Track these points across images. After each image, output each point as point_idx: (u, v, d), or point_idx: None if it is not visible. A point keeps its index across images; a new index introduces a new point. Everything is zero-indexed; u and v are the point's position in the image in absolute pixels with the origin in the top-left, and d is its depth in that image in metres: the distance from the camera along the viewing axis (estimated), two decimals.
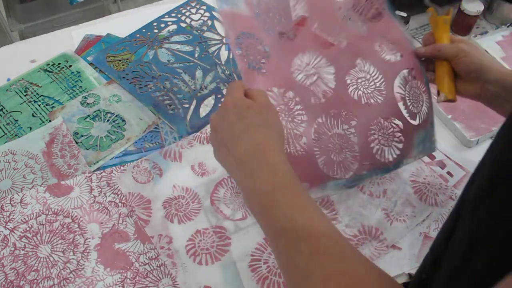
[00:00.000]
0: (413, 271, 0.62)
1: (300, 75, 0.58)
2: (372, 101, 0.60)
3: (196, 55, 0.90)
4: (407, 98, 0.62)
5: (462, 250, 0.35)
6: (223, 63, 0.89)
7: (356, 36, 0.62)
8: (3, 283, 0.59)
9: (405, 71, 0.62)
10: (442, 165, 0.74)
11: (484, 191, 0.33)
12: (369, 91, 0.60)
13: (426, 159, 0.74)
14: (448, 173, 0.73)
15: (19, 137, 0.75)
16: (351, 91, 0.60)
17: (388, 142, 0.60)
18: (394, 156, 0.61)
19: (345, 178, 0.57)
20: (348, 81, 0.60)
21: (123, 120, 0.78)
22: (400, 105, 0.62)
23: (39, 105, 0.81)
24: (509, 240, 0.28)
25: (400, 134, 0.61)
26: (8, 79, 0.85)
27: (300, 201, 0.43)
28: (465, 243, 0.34)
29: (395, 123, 0.61)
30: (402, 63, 0.62)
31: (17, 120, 0.78)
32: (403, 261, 0.62)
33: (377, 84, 0.61)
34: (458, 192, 0.70)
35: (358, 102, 0.60)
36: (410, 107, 0.62)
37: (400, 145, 0.61)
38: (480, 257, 0.32)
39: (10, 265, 0.61)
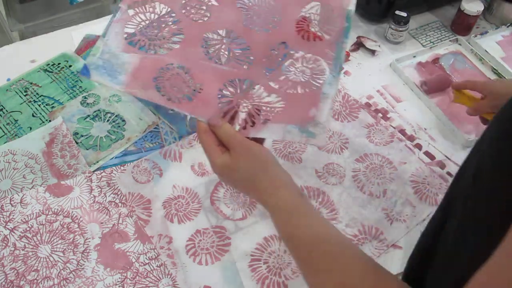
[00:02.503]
0: None
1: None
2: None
3: None
4: None
5: (456, 236, 0.37)
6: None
7: None
8: (3, 283, 0.59)
9: None
10: (442, 165, 0.74)
11: (472, 181, 0.36)
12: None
13: (426, 159, 0.74)
14: (448, 173, 0.73)
15: (19, 137, 0.75)
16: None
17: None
18: None
19: None
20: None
21: (123, 120, 0.78)
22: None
23: (39, 105, 0.81)
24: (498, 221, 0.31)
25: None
26: (8, 79, 0.85)
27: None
28: (459, 230, 0.36)
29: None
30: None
31: (17, 120, 0.78)
32: (403, 260, 0.63)
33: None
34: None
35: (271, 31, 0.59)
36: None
37: None
38: (473, 240, 0.34)
39: (10, 265, 0.61)
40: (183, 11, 0.59)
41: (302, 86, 0.54)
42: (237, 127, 0.51)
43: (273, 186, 0.47)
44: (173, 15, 0.58)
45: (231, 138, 0.49)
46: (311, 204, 0.51)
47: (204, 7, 0.59)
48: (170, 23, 0.57)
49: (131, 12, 0.57)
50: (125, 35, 0.55)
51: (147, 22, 0.57)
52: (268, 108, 0.52)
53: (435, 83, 0.84)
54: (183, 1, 0.59)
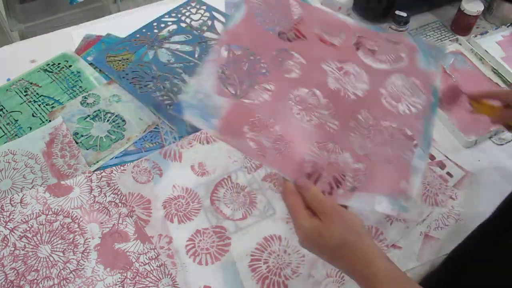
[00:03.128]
0: (413, 270, 0.62)
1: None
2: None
3: (196, 55, 0.90)
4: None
5: None
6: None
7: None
8: (3, 283, 0.59)
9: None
10: (442, 166, 0.74)
11: None
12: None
13: None
14: (448, 173, 0.73)
15: (19, 137, 0.75)
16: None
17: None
18: None
19: None
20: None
21: (123, 120, 0.78)
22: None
23: (39, 105, 0.81)
24: None
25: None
26: (8, 79, 0.85)
27: None
28: None
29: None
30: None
31: (17, 120, 0.78)
32: (403, 260, 0.63)
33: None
34: (458, 192, 0.70)
35: (358, 99, 0.58)
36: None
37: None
38: None
39: (10, 265, 0.61)
40: (274, 63, 0.59)
41: (390, 157, 0.53)
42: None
43: (370, 256, 0.45)
44: (264, 65, 0.59)
45: (321, 203, 0.47)
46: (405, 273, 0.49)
47: (292, 63, 0.60)
48: (262, 72, 0.58)
49: (224, 53, 0.58)
50: (218, 77, 0.55)
51: (240, 67, 0.58)
52: (355, 175, 0.51)
53: (448, 97, 0.81)
54: (274, 53, 0.59)
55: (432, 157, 0.75)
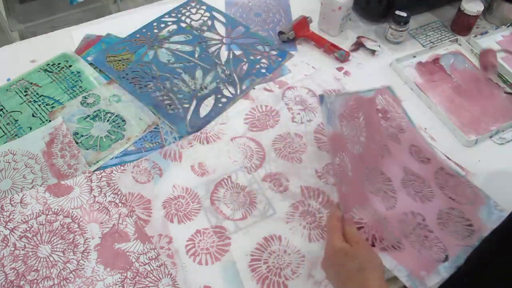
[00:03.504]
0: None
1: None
2: (424, 199, 0.66)
3: (196, 55, 0.90)
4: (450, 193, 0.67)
5: None
6: (223, 63, 0.89)
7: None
8: (3, 283, 0.59)
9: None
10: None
11: None
12: (420, 192, 0.66)
13: None
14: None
15: (19, 137, 0.75)
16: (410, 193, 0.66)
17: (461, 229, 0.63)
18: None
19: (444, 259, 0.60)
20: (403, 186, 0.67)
21: (123, 120, 0.78)
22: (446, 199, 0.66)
23: (39, 105, 0.81)
24: None
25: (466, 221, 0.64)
26: (8, 79, 0.85)
27: None
28: None
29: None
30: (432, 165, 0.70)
31: (17, 120, 0.78)
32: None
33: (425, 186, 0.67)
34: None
35: (418, 202, 0.65)
36: (454, 196, 0.66)
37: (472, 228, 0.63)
38: None
39: (10, 265, 0.61)
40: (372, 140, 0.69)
41: (421, 250, 0.60)
42: None
43: (384, 286, 0.51)
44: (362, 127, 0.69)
45: (357, 236, 0.55)
46: None
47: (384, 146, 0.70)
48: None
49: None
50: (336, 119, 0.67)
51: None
52: (390, 243, 0.59)
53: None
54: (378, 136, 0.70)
55: None
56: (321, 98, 0.65)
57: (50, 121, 0.78)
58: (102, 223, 0.65)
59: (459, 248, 0.60)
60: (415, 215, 0.63)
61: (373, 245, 0.58)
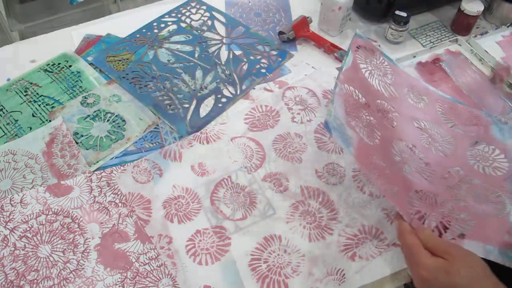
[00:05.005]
0: None
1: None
2: (447, 150, 0.64)
3: (196, 55, 0.90)
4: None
5: None
6: (223, 63, 0.89)
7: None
8: (3, 283, 0.59)
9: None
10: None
11: None
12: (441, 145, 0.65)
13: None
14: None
15: (19, 137, 0.75)
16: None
17: None
18: None
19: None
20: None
21: (123, 120, 0.78)
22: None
23: (39, 105, 0.81)
24: None
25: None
26: (8, 79, 0.85)
27: None
28: None
29: None
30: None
31: (17, 120, 0.78)
32: (404, 259, 0.62)
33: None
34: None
35: (444, 156, 0.64)
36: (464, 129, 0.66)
37: None
38: None
39: (10, 265, 0.61)
40: (377, 112, 0.64)
41: (488, 211, 0.57)
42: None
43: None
44: (367, 115, 0.64)
45: (439, 242, 0.49)
46: None
47: (390, 115, 0.65)
48: (367, 116, 0.64)
49: (344, 90, 0.64)
50: (344, 111, 0.62)
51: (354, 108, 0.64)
52: (460, 224, 0.55)
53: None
54: (378, 101, 0.65)
55: None
56: (326, 124, 0.62)
57: (50, 121, 0.78)
58: (102, 223, 0.65)
59: (508, 186, 0.58)
60: (453, 172, 0.60)
61: (440, 234, 0.53)
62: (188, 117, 0.79)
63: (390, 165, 0.60)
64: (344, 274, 0.60)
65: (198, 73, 0.86)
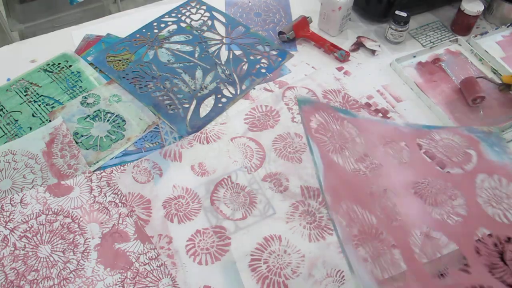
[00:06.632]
0: None
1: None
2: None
3: (196, 55, 0.90)
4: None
5: None
6: (223, 63, 0.89)
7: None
8: (3, 283, 0.59)
9: None
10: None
11: None
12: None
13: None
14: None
15: (19, 137, 0.75)
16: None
17: None
18: None
19: None
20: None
21: (123, 120, 0.78)
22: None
23: (39, 105, 0.81)
24: None
25: None
26: (8, 79, 0.85)
27: None
28: None
29: None
30: None
31: (17, 120, 0.78)
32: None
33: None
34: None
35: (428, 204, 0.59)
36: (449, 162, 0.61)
37: None
38: None
39: (10, 265, 0.61)
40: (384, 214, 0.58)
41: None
42: None
43: None
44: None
45: None
46: None
47: (390, 204, 0.59)
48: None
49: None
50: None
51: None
52: None
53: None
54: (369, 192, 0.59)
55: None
56: (307, 140, 0.55)
57: (50, 121, 0.78)
58: (102, 223, 0.65)
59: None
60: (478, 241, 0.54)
61: None
62: (188, 117, 0.79)
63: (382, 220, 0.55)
64: (343, 276, 0.60)
65: (198, 73, 0.86)
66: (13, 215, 0.65)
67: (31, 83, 0.84)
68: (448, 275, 0.54)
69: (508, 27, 0.97)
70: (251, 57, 0.90)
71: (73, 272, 0.61)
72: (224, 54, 0.91)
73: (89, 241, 0.63)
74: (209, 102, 0.81)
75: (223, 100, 0.82)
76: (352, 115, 0.64)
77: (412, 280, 0.53)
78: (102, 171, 0.71)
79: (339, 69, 0.89)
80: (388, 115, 0.80)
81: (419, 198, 0.59)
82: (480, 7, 0.91)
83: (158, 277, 0.60)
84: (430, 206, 0.59)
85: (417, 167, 0.61)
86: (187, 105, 0.80)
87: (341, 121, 0.62)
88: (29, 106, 0.80)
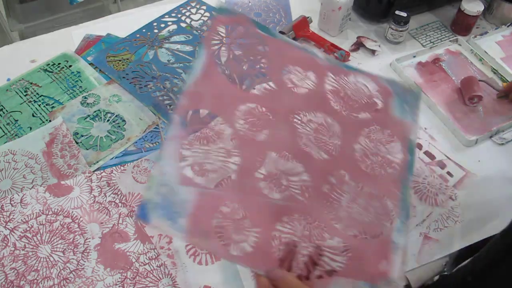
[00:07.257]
0: (413, 271, 0.62)
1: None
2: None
3: (196, 55, 0.90)
4: None
5: None
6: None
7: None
8: (3, 283, 0.59)
9: None
10: (442, 165, 0.74)
11: None
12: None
13: (426, 159, 0.74)
14: (448, 173, 0.73)
15: (19, 137, 0.75)
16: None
17: None
18: None
19: None
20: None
21: (123, 120, 0.78)
22: None
23: (39, 105, 0.81)
24: None
25: None
26: (8, 79, 0.85)
27: None
28: None
29: None
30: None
31: (17, 120, 0.78)
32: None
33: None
34: (458, 192, 0.70)
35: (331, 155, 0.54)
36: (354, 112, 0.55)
37: None
38: None
39: (10, 265, 0.61)
40: (240, 128, 0.53)
41: (367, 230, 0.49)
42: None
43: None
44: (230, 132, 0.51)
45: None
46: None
47: (258, 122, 0.54)
48: (227, 143, 0.52)
49: (184, 126, 0.50)
50: (181, 160, 0.48)
51: (202, 142, 0.51)
52: (332, 257, 0.47)
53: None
54: (238, 113, 0.53)
55: (432, 157, 0.75)
56: (141, 213, 0.44)
57: (50, 121, 0.78)
58: (102, 223, 0.65)
59: (397, 191, 0.50)
60: (337, 178, 0.50)
61: (309, 273, 0.46)
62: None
63: (250, 203, 0.50)
64: None
65: None
66: (13, 215, 0.65)
67: (31, 83, 0.84)
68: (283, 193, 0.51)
69: (508, 27, 0.97)
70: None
71: (73, 272, 0.61)
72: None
73: (89, 241, 0.63)
74: None
75: None
76: (272, 35, 0.58)
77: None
78: (102, 171, 0.71)
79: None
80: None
81: (296, 126, 0.54)
82: (480, 7, 0.91)
83: (158, 277, 0.60)
84: (304, 138, 0.53)
85: (311, 99, 0.55)
86: None
87: (255, 38, 0.56)
88: (29, 106, 0.80)
